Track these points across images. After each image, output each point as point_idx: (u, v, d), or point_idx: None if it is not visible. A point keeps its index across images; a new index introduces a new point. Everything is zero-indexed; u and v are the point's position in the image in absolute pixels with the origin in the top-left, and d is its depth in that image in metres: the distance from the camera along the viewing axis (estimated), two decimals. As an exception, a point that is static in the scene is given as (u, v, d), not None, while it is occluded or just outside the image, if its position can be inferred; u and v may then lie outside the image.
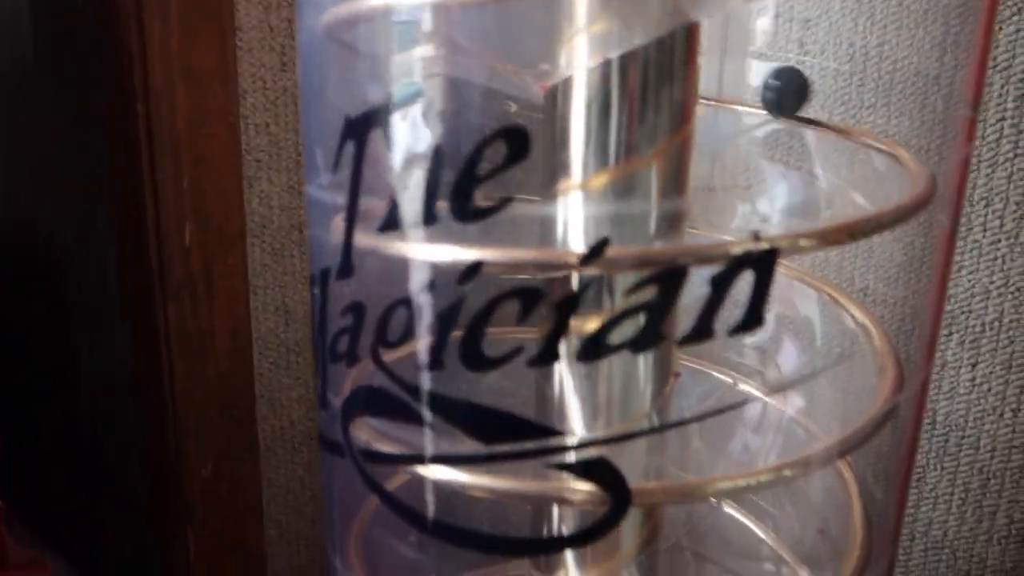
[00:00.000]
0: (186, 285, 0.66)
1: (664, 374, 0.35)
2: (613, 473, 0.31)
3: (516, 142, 0.29)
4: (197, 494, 0.71)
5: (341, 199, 0.35)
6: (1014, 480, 0.74)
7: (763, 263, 0.29)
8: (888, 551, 0.43)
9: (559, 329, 0.30)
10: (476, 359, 0.32)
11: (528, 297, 0.30)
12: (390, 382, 0.35)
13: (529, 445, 0.32)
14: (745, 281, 0.31)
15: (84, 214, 0.64)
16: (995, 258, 0.71)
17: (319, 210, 0.39)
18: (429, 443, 0.34)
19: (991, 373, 0.73)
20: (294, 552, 0.84)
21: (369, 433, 0.37)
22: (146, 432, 0.69)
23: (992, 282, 0.72)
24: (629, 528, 0.37)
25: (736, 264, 0.29)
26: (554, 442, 0.32)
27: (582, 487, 0.32)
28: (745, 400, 0.42)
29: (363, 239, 0.35)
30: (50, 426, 0.71)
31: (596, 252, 0.29)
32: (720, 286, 0.29)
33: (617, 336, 0.31)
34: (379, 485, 0.37)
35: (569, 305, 0.30)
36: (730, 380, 0.44)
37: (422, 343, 0.33)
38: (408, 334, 0.34)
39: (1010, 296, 0.71)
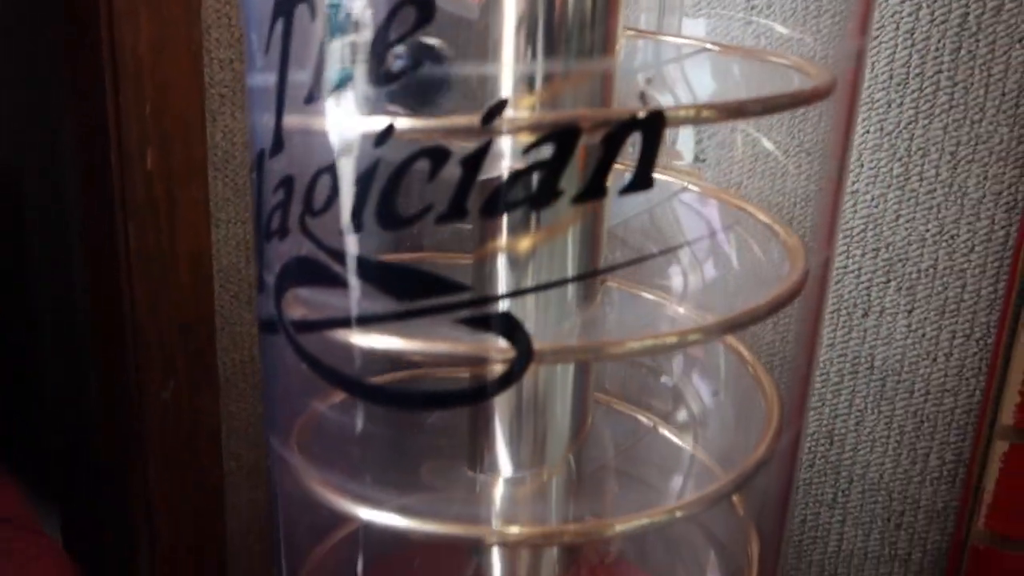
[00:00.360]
0: (148, 208, 0.68)
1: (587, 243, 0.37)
2: (517, 326, 0.34)
3: (423, 9, 0.32)
4: (156, 419, 0.73)
5: (273, 78, 0.37)
6: (946, 423, 0.78)
7: (650, 126, 0.32)
8: (795, 422, 0.46)
9: (465, 185, 0.32)
10: (390, 218, 0.34)
11: (437, 156, 0.33)
12: (316, 249, 0.38)
13: (441, 301, 0.34)
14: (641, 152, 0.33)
15: (47, 137, 0.66)
16: (931, 207, 0.74)
17: (256, 96, 0.41)
18: (352, 305, 0.37)
19: (926, 319, 0.76)
20: (252, 487, 0.86)
21: (298, 304, 0.40)
22: (105, 354, 0.71)
23: (928, 230, 0.75)
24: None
25: (625, 126, 0.31)
26: (463, 297, 0.34)
27: (489, 343, 0.35)
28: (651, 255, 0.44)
29: (291, 114, 0.37)
30: (6, 348, 0.73)
31: (495, 114, 0.32)
32: (611, 146, 0.32)
33: (517, 193, 0.33)
34: (309, 353, 0.40)
35: (473, 163, 0.32)
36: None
37: (343, 207, 0.36)
38: (331, 200, 0.36)
39: (944, 244, 0.74)
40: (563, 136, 0.31)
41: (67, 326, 0.70)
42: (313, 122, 0.36)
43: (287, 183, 0.38)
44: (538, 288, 0.35)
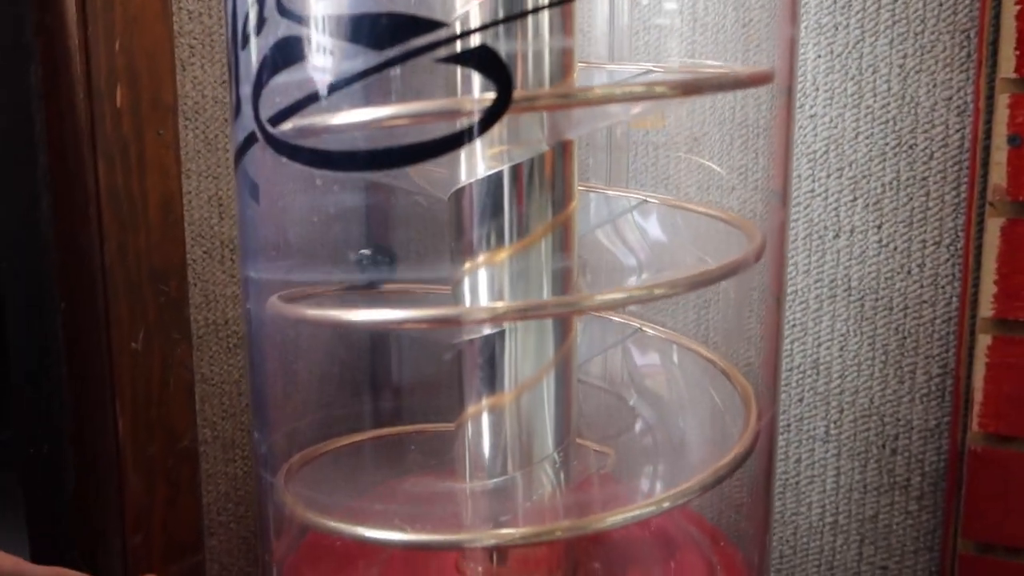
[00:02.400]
0: (117, 147, 0.68)
1: None
2: (496, 60, 0.34)
3: None
4: (126, 368, 0.70)
5: None
6: (927, 335, 0.78)
7: None
8: (768, 411, 0.47)
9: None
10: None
11: None
12: (291, 25, 0.38)
13: (420, 42, 0.35)
14: None
15: (12, 73, 0.66)
16: (887, 120, 0.77)
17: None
18: (332, 68, 0.37)
19: (895, 232, 0.78)
20: (228, 460, 0.82)
21: (271, 102, 0.40)
22: (72, 301, 0.68)
23: (887, 144, 0.77)
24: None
25: None
26: (443, 34, 0.34)
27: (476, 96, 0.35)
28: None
29: None
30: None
31: None
32: None
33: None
34: (287, 145, 0.39)
35: None
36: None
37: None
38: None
39: (904, 155, 0.77)
40: None
41: (33, 271, 0.68)
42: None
43: (263, -29, 0.39)
44: (514, 17, 0.35)
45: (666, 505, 0.42)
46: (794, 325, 0.82)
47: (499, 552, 0.53)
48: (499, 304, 0.44)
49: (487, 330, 0.45)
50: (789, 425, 0.84)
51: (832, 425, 0.82)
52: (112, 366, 0.69)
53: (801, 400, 0.83)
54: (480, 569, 0.53)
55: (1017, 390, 0.70)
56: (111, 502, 0.70)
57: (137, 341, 0.70)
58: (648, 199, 0.61)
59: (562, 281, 0.45)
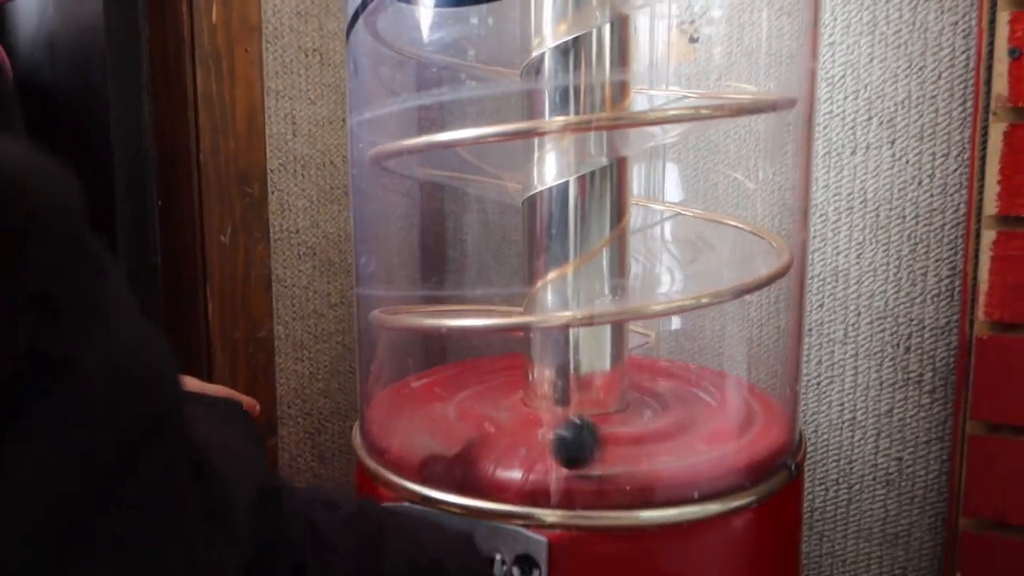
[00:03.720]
0: (212, 58, 0.76)
1: None
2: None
3: None
4: (215, 259, 0.78)
5: None
6: (938, 240, 0.85)
7: None
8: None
9: None
10: None
11: None
12: None
13: None
14: None
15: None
16: (899, 45, 0.84)
17: None
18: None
19: (907, 146, 0.85)
20: (298, 358, 0.90)
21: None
22: (168, 195, 0.76)
23: (899, 66, 0.85)
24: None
25: None
26: None
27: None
28: None
29: None
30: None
31: None
32: None
33: None
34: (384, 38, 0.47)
35: None
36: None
37: None
38: None
39: (915, 76, 0.84)
40: None
41: (136, 169, 0.76)
42: None
43: None
44: None
45: (705, 300, 0.49)
46: (814, 236, 0.89)
47: (559, 387, 0.60)
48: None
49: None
50: (811, 329, 0.91)
51: (850, 328, 0.89)
52: (204, 256, 0.77)
53: (821, 306, 0.90)
54: (544, 405, 0.61)
55: (1020, 280, 0.78)
56: (200, 380, 0.78)
57: (225, 235, 0.78)
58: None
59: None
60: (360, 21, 0.51)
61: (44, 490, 0.20)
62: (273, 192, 0.85)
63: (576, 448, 0.47)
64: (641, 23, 0.70)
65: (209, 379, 0.78)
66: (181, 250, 0.78)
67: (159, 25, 0.75)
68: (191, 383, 0.60)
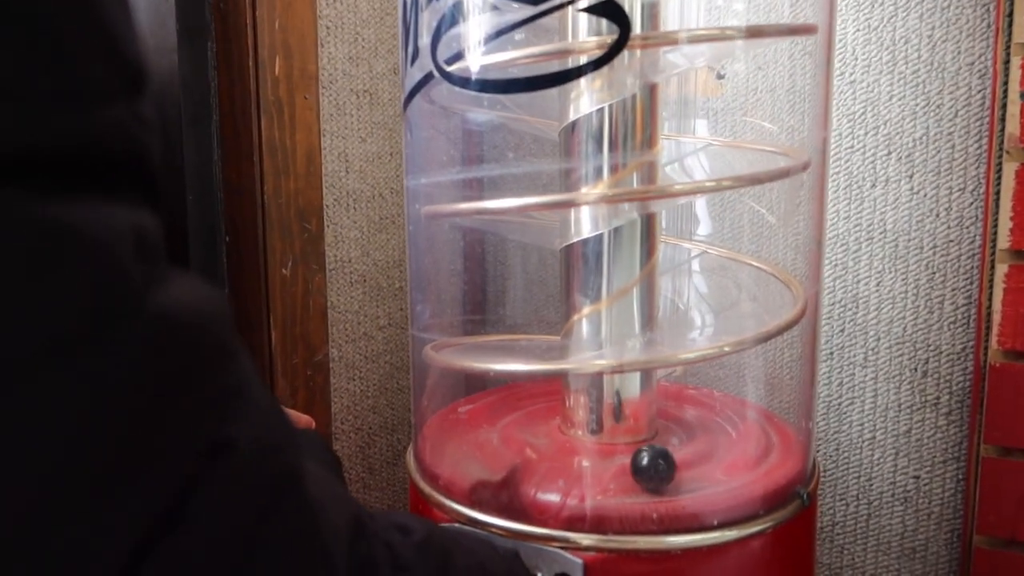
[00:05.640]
0: (275, 107, 0.83)
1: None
2: (619, 9, 0.48)
3: None
4: (277, 290, 0.86)
5: None
6: (954, 270, 0.89)
7: None
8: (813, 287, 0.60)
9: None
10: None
11: None
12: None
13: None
14: None
15: (193, 48, 0.82)
16: (917, 84, 0.89)
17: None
18: (488, 25, 0.51)
19: (925, 181, 0.90)
20: (350, 379, 0.97)
21: (447, 47, 0.54)
22: (235, 231, 0.84)
23: (917, 104, 0.89)
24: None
25: None
26: (579, -10, 0.48)
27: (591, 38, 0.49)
28: None
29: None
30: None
31: None
32: None
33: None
34: (455, 76, 0.54)
35: None
36: None
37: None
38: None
39: (932, 113, 0.89)
40: None
41: (207, 208, 0.83)
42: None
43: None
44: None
45: (727, 349, 0.55)
46: (835, 265, 0.94)
47: (593, 416, 0.66)
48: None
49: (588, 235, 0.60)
50: (832, 353, 0.96)
51: (870, 352, 0.94)
52: (267, 288, 0.85)
53: (843, 331, 0.95)
54: (579, 432, 0.67)
55: (1031, 311, 0.82)
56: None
57: (286, 268, 0.86)
58: (714, 142, 0.75)
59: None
60: (417, 96, 0.57)
61: (217, 550, 0.26)
62: (328, 225, 0.92)
63: (654, 475, 0.53)
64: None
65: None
66: (247, 282, 0.85)
67: (227, 77, 0.82)
68: None
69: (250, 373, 0.30)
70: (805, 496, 0.57)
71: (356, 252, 0.96)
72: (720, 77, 0.87)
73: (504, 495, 0.56)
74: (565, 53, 0.50)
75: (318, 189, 0.89)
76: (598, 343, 0.64)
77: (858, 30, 0.90)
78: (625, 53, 0.55)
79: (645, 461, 0.55)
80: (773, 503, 0.57)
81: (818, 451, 0.98)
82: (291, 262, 0.86)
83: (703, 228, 0.76)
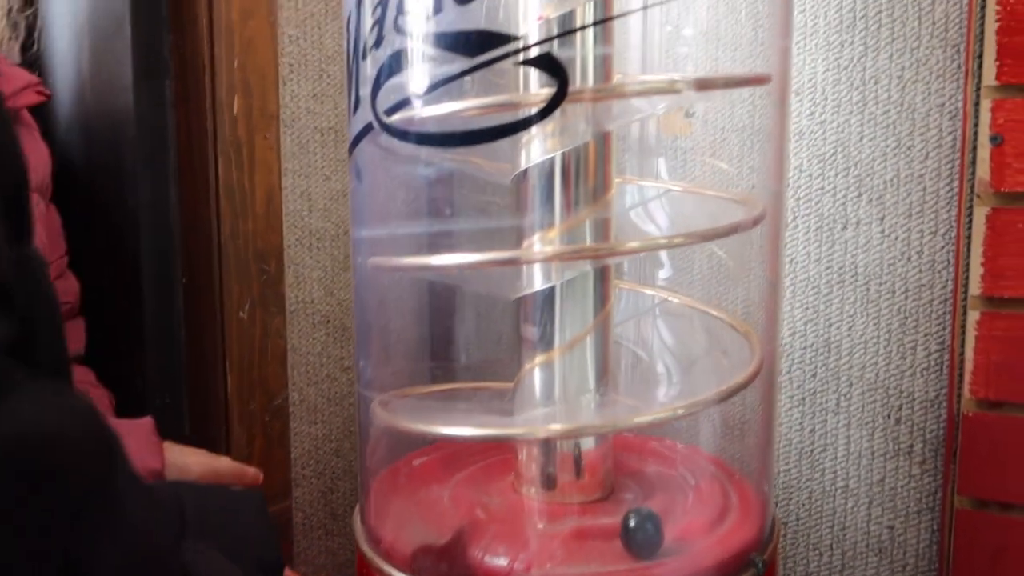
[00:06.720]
0: (233, 147, 0.81)
1: None
2: (556, 63, 0.47)
3: None
4: (234, 334, 0.83)
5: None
6: (927, 315, 0.88)
7: None
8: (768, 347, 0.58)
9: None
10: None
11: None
12: (404, 40, 0.51)
13: (500, 51, 0.47)
14: None
15: (150, 86, 0.80)
16: (887, 125, 0.87)
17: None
18: (433, 72, 0.50)
19: (896, 223, 0.88)
20: (312, 422, 0.95)
21: (387, 97, 0.53)
22: (192, 274, 0.82)
23: (888, 145, 0.88)
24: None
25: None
26: (516, 45, 0.47)
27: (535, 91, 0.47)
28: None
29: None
30: (111, 281, 0.84)
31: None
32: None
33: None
34: (396, 129, 0.52)
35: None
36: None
37: (427, -2, 0.49)
38: (417, -2, 0.49)
39: (903, 155, 0.87)
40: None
41: (163, 250, 0.81)
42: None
43: (383, 1, 0.52)
44: (573, 31, 0.48)
45: (681, 412, 0.53)
46: (807, 308, 0.92)
47: (546, 474, 0.64)
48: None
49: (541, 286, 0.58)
50: (804, 399, 0.94)
51: (842, 398, 0.92)
52: (223, 333, 0.82)
53: (815, 376, 0.93)
54: (532, 490, 0.65)
55: (1004, 359, 0.80)
56: (218, 449, 0.83)
57: (244, 312, 0.84)
58: (672, 188, 0.73)
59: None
60: (362, 143, 0.55)
61: None
62: (289, 266, 0.90)
63: (643, 543, 0.51)
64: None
65: (227, 448, 0.83)
66: (203, 327, 0.83)
67: (185, 116, 0.81)
68: (200, 462, 0.65)
69: (127, 476, 0.28)
70: (760, 564, 0.54)
71: (319, 292, 0.94)
72: (689, 115, 0.86)
73: (445, 563, 0.54)
74: (503, 107, 0.49)
75: (278, 230, 0.87)
76: (550, 396, 0.62)
77: (827, 69, 0.89)
78: (578, 104, 0.53)
79: (633, 524, 0.53)
80: (727, 570, 0.54)
81: (790, 499, 0.96)
82: (249, 305, 0.84)
83: (663, 273, 0.74)
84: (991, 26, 0.78)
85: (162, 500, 0.33)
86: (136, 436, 0.63)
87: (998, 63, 0.78)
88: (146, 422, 0.65)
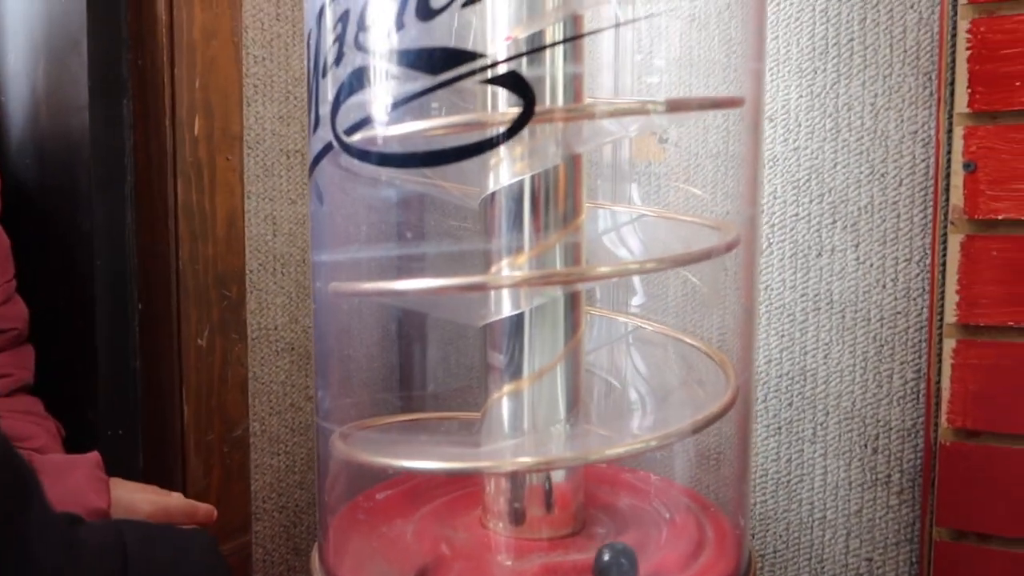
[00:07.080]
0: (193, 169, 0.79)
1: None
2: (522, 81, 0.45)
3: None
4: (192, 362, 0.80)
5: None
6: (903, 343, 0.87)
7: None
8: (744, 374, 0.56)
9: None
10: (426, 11, 0.46)
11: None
12: (365, 57, 0.49)
13: (464, 69, 0.45)
14: None
15: (107, 104, 0.77)
16: (861, 152, 0.87)
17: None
18: (395, 90, 0.48)
19: (871, 250, 0.87)
20: (274, 453, 0.91)
21: (346, 118, 0.51)
22: (149, 299, 0.79)
23: (862, 172, 0.87)
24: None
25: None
26: (482, 62, 0.45)
27: (503, 111, 0.46)
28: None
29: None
30: (64, 304, 0.80)
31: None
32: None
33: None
34: (356, 149, 0.50)
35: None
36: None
37: (388, 14, 0.47)
38: (377, 15, 0.48)
39: (877, 182, 0.87)
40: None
41: (118, 273, 0.78)
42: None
43: (344, 17, 0.50)
44: (541, 48, 0.46)
45: (654, 444, 0.51)
46: (782, 336, 0.91)
47: (516, 512, 0.61)
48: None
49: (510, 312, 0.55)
50: (780, 428, 0.92)
51: (819, 427, 0.90)
52: (180, 360, 0.79)
53: (790, 404, 0.92)
54: (500, 525, 0.62)
55: (981, 388, 0.79)
56: (174, 481, 0.80)
57: (202, 338, 0.81)
58: (645, 213, 0.72)
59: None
60: (322, 163, 0.53)
61: None
62: (252, 292, 0.87)
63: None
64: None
65: (183, 481, 0.80)
66: (159, 354, 0.80)
67: (143, 137, 0.78)
68: (150, 500, 0.62)
69: (38, 518, 0.26)
70: (737, 603, 0.52)
71: (283, 319, 0.91)
72: (663, 141, 0.85)
73: (406, 605, 0.51)
74: (468, 126, 0.47)
75: (240, 254, 0.84)
76: (519, 427, 0.60)
77: (801, 96, 0.89)
78: (546, 124, 0.52)
79: (607, 559, 0.50)
80: (702, 611, 0.52)
81: (767, 531, 0.93)
82: (208, 331, 0.81)
83: (636, 299, 0.72)
84: (962, 54, 0.78)
85: (93, 543, 0.30)
86: (80, 472, 0.59)
87: (970, 90, 0.78)
88: (91, 457, 0.62)
